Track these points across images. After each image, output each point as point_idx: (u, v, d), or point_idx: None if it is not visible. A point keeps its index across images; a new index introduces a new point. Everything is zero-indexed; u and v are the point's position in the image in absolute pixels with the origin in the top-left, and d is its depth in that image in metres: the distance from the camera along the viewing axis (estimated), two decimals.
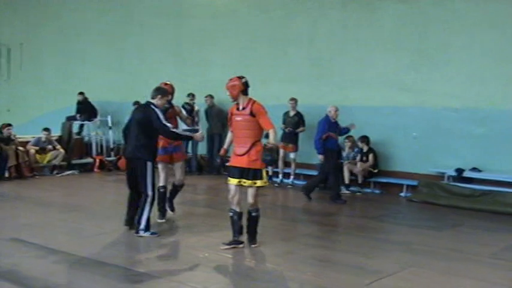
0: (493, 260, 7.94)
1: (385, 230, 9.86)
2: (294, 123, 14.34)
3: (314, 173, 13.89)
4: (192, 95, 15.75)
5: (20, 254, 7.74)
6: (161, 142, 9.50)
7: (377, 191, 13.62)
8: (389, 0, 13.76)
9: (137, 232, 8.66)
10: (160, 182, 9.88)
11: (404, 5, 13.53)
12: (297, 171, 14.49)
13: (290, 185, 14.28)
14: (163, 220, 9.81)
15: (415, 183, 13.00)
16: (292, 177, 14.38)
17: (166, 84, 9.76)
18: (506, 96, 12.30)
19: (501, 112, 12.35)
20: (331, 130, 12.23)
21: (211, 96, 15.91)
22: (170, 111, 9.74)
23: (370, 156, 13.52)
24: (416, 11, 13.38)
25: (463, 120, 12.78)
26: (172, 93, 9.81)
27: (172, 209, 10.22)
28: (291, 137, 14.30)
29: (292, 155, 14.34)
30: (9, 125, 15.16)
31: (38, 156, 15.49)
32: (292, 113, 14.44)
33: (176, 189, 10.22)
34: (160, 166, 9.85)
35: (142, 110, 8.87)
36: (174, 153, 9.90)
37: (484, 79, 12.52)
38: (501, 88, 12.36)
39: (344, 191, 13.05)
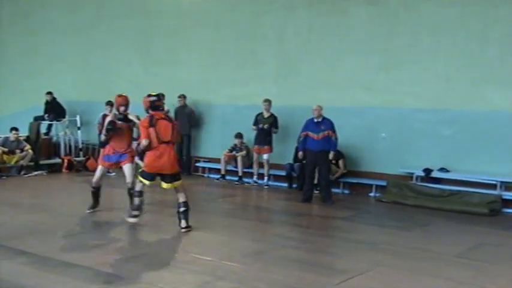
0: (459, 259, 8.03)
1: (354, 230, 9.90)
2: (269, 125, 14.26)
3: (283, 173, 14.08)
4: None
5: None
6: (107, 149, 9.87)
7: (346, 191, 13.67)
8: (358, 2, 13.84)
9: None
10: (93, 183, 10.17)
11: (372, 6, 13.61)
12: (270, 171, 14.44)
13: (266, 185, 14.23)
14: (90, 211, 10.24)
15: (384, 183, 13.07)
16: (266, 178, 14.30)
17: (120, 96, 10.02)
18: (472, 97, 12.44)
19: (468, 113, 12.50)
20: (310, 129, 12.24)
21: (184, 96, 15.82)
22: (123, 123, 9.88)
23: (340, 162, 13.43)
24: (384, 12, 13.47)
25: (431, 121, 12.91)
26: (126, 104, 10.05)
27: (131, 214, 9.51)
28: (265, 139, 14.25)
29: (265, 156, 14.23)
30: None
31: (5, 156, 15.29)
32: (266, 115, 14.32)
33: (129, 192, 9.84)
34: (100, 167, 10.15)
35: None
36: (120, 161, 10.01)
37: (451, 80, 12.65)
38: (468, 89, 12.50)
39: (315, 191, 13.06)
